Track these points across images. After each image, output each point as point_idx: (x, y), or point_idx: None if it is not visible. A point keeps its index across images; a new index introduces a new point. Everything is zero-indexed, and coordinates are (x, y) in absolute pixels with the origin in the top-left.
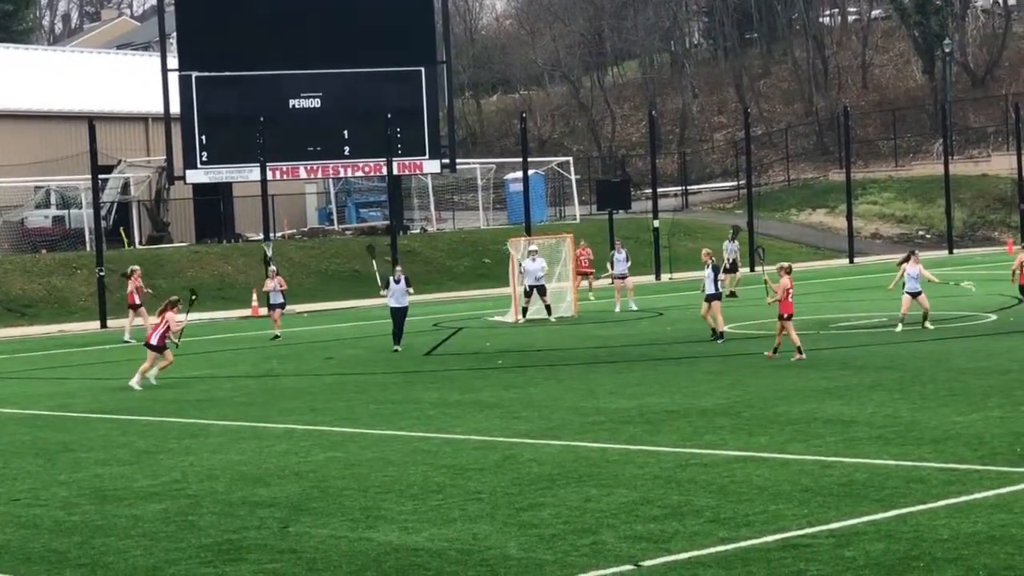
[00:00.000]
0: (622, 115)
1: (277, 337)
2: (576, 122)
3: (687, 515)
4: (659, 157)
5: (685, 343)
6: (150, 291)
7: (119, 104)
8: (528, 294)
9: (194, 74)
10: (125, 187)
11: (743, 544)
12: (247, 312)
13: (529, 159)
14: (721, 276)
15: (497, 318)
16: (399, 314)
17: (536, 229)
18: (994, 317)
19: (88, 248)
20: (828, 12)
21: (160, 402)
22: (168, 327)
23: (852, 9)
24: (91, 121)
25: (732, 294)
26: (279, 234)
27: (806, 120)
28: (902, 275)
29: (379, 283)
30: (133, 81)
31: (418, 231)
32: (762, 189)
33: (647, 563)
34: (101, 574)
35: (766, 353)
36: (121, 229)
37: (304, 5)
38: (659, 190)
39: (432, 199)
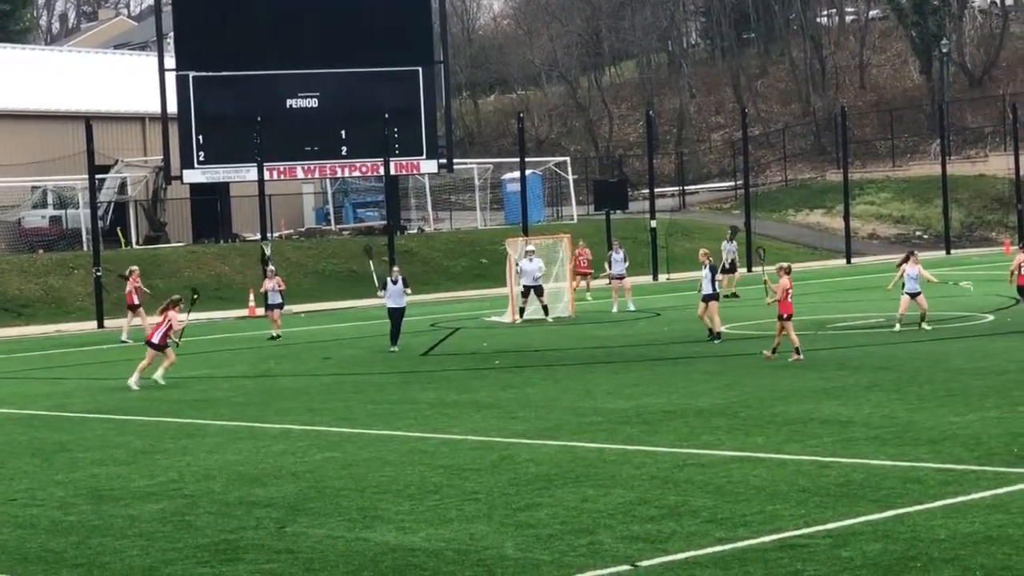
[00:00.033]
0: (619, 115)
1: (274, 337)
2: (573, 122)
3: (684, 515)
4: (656, 157)
5: (682, 343)
6: (148, 291)
7: (116, 104)
8: (525, 294)
9: (191, 74)
10: (122, 187)
11: (740, 544)
12: (244, 312)
13: (526, 159)
14: (719, 276)
15: (494, 318)
16: (397, 315)
17: (533, 229)
18: (991, 318)
19: (85, 248)
20: (826, 12)
21: (157, 402)
22: (170, 326)
23: (850, 9)
24: (88, 121)
25: (734, 295)
26: (276, 234)
27: (803, 120)
28: (901, 275)
29: (376, 284)
30: (130, 81)
31: (415, 231)
32: (759, 189)
33: (644, 563)
34: (98, 574)
35: (765, 352)
36: (118, 229)
37: (301, 5)
38: (656, 190)
39: (429, 199)
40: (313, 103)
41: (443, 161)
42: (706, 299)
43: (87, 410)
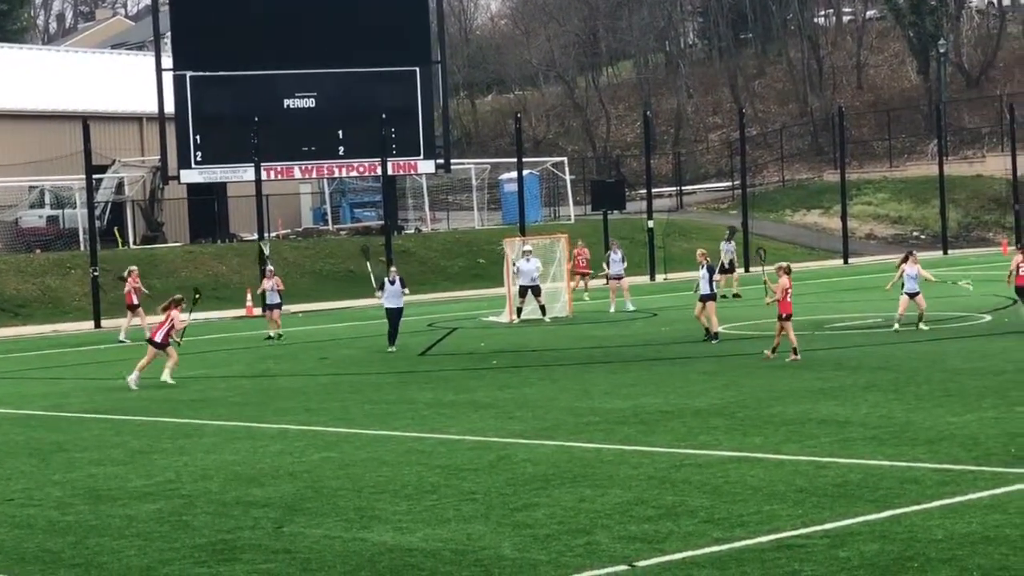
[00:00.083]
0: (617, 115)
1: (271, 338)
2: (571, 122)
3: (681, 515)
4: (654, 157)
5: (680, 343)
6: (147, 292)
7: (113, 104)
8: (523, 294)
9: (188, 74)
10: (119, 187)
11: (737, 544)
12: (241, 312)
13: (524, 159)
14: (717, 277)
15: (492, 318)
16: (394, 315)
17: (531, 229)
18: (989, 318)
19: (82, 248)
20: (823, 12)
21: (154, 402)
22: (172, 325)
23: (847, 9)
24: (85, 121)
25: (736, 295)
26: (274, 234)
27: (801, 120)
28: (900, 275)
29: (374, 284)
30: (127, 81)
31: (412, 231)
32: (757, 189)
33: (641, 563)
34: (95, 574)
35: (766, 352)
36: (115, 229)
37: (298, 5)
38: (654, 190)
39: (427, 199)
40: (310, 103)
41: (440, 161)
42: (703, 299)
43: (84, 410)
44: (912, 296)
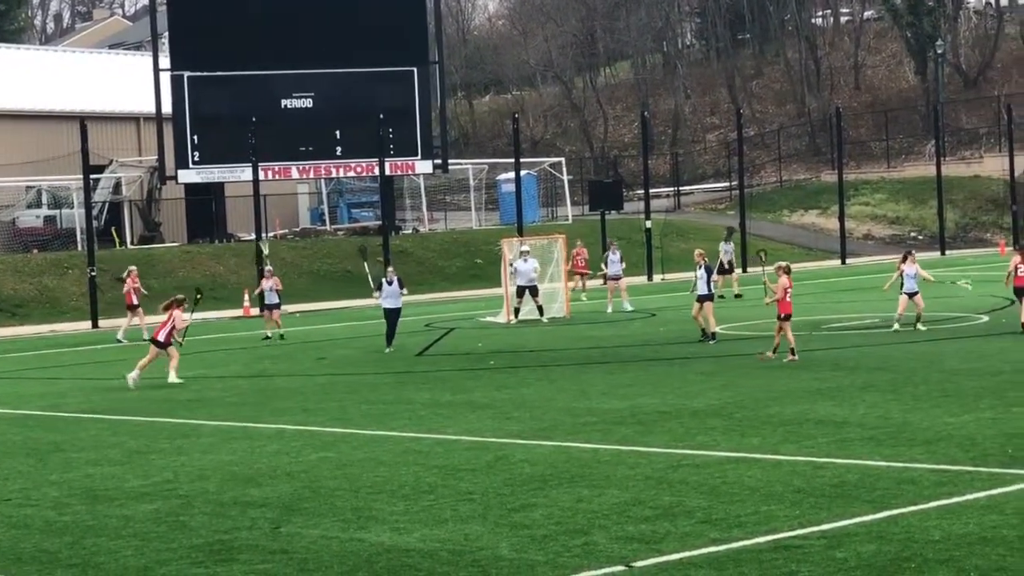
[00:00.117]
0: (614, 116)
1: (268, 338)
2: (568, 123)
3: (679, 516)
4: (651, 158)
5: (677, 344)
6: (145, 292)
7: (111, 104)
8: (520, 294)
9: (186, 74)
10: (117, 187)
11: (735, 545)
12: (239, 312)
13: (521, 160)
14: (715, 277)
15: (489, 319)
16: (392, 315)
17: (528, 230)
18: (986, 318)
19: (79, 248)
20: (820, 13)
21: (151, 402)
22: (174, 325)
23: (844, 10)
24: (83, 121)
25: (738, 295)
26: (271, 234)
27: (798, 121)
28: (899, 275)
29: (372, 285)
30: (125, 81)
31: (410, 231)
32: (754, 190)
33: (639, 564)
34: (92, 574)
35: (768, 354)
36: (113, 229)
37: (296, 5)
38: (651, 191)
39: (424, 199)
40: (308, 103)
41: (438, 161)
42: (701, 300)
43: (81, 410)
44: (911, 296)
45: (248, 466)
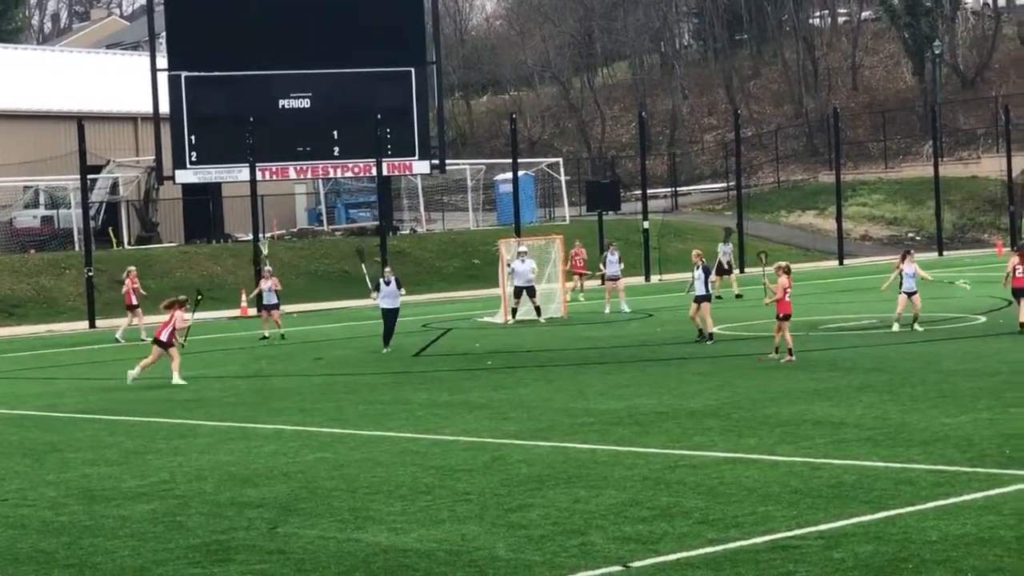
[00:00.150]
0: (612, 116)
1: (266, 338)
2: (566, 123)
3: (676, 516)
4: (649, 158)
5: (675, 344)
6: (143, 293)
7: (108, 104)
8: (518, 295)
9: (183, 74)
10: (114, 187)
11: (732, 545)
12: (236, 312)
13: (519, 160)
14: (712, 278)
15: (487, 319)
16: (390, 315)
17: (526, 230)
18: (984, 319)
19: (77, 248)
20: (818, 13)
21: (148, 402)
22: (176, 325)
23: (842, 10)
24: (80, 121)
25: (738, 295)
26: (269, 235)
27: (796, 121)
28: (897, 274)
29: (369, 286)
30: (122, 81)
31: (408, 232)
32: (752, 190)
33: (636, 564)
34: (89, 574)
35: (771, 355)
36: (110, 229)
37: (293, 5)
38: (649, 191)
39: (422, 200)
40: (305, 103)
41: (435, 162)
42: (698, 300)
43: (78, 410)
44: (910, 295)
45: (245, 466)
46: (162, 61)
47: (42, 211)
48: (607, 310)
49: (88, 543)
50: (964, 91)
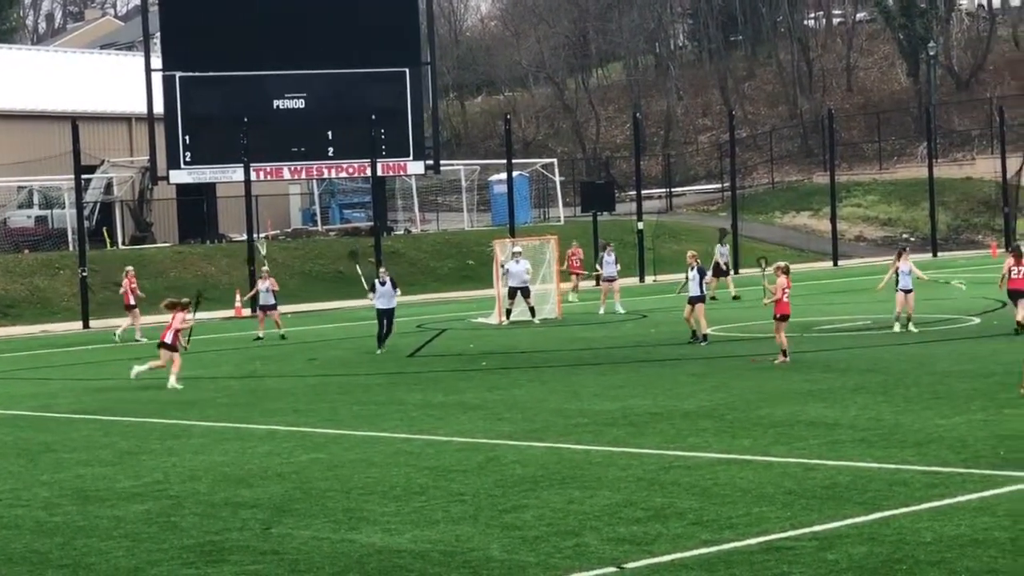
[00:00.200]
0: (606, 117)
1: (260, 338)
2: (560, 124)
3: (670, 517)
4: (643, 159)
5: (669, 345)
6: (141, 295)
7: (102, 104)
8: (512, 296)
9: (178, 74)
10: (108, 187)
11: (726, 546)
12: (230, 313)
13: (513, 161)
14: (707, 279)
15: (481, 320)
16: (386, 315)
17: (520, 231)
18: (978, 320)
19: (71, 248)
20: (813, 15)
21: (142, 403)
22: (177, 326)
23: (837, 12)
24: (74, 121)
25: (736, 296)
26: (263, 235)
27: (790, 123)
28: (894, 273)
29: (365, 286)
30: (117, 81)
31: (402, 232)
32: (746, 191)
33: (630, 565)
34: (83, 575)
35: (779, 358)
36: (104, 229)
37: (288, 6)
38: (643, 192)
39: (416, 200)
40: (300, 104)
41: (430, 162)
42: (692, 301)
43: (73, 411)
44: (906, 293)
45: (239, 467)
46: (156, 61)
47: (36, 211)
48: (601, 311)
49: (82, 543)
50: (959, 92)
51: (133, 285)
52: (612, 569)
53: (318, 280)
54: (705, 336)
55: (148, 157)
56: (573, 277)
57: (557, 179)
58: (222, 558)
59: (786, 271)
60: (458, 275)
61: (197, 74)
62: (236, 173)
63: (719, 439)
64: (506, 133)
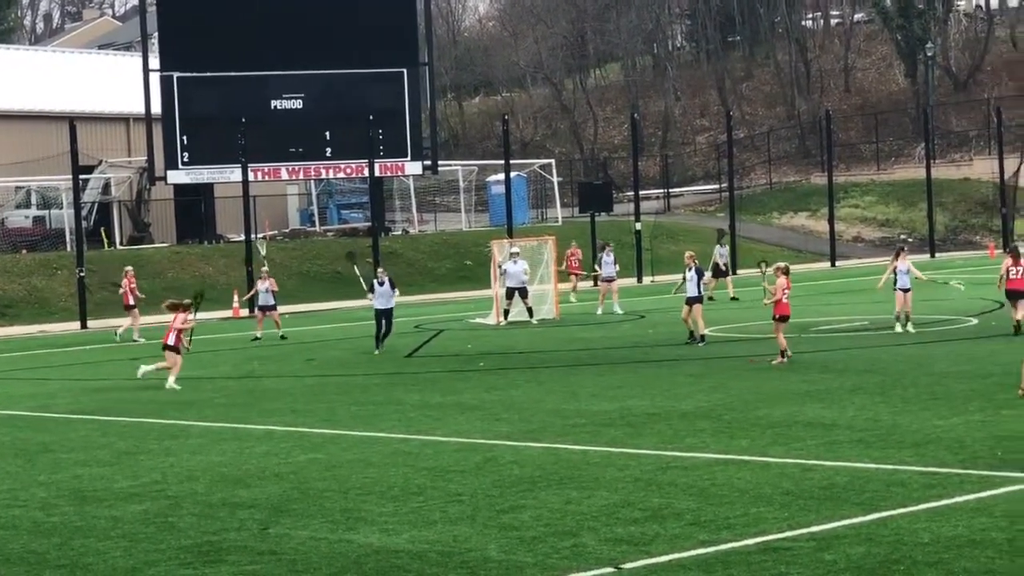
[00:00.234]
0: (604, 117)
1: (258, 339)
2: (558, 124)
3: (668, 518)
4: (641, 160)
5: (667, 346)
6: (141, 296)
7: (100, 104)
8: (510, 296)
9: (175, 74)
10: (106, 187)
11: (724, 547)
12: (228, 313)
13: (511, 161)
14: (705, 279)
15: (479, 320)
16: (384, 315)
17: (518, 231)
18: (975, 321)
19: (69, 248)
20: (811, 15)
21: (140, 403)
22: (180, 328)
23: (835, 12)
24: (72, 121)
25: (734, 298)
26: (261, 235)
27: (788, 123)
28: (892, 272)
29: (364, 287)
30: (114, 81)
31: (400, 233)
32: (744, 192)
33: (628, 566)
34: (80, 575)
35: (775, 360)
36: (102, 230)
37: (286, 6)
38: (641, 193)
39: (414, 201)
40: (298, 104)
41: (428, 163)
42: (690, 302)
43: (70, 411)
44: (905, 292)
45: (237, 467)
46: (154, 61)
47: (34, 211)
48: (599, 311)
49: (79, 544)
50: (956, 93)
51: (132, 285)
52: (610, 569)
53: (316, 280)
54: (703, 337)
55: (146, 157)
56: (572, 278)
57: (555, 180)
58: (220, 558)
59: (786, 272)
60: (456, 276)
61: (195, 74)
62: (234, 173)
63: (717, 440)
64: (504, 134)
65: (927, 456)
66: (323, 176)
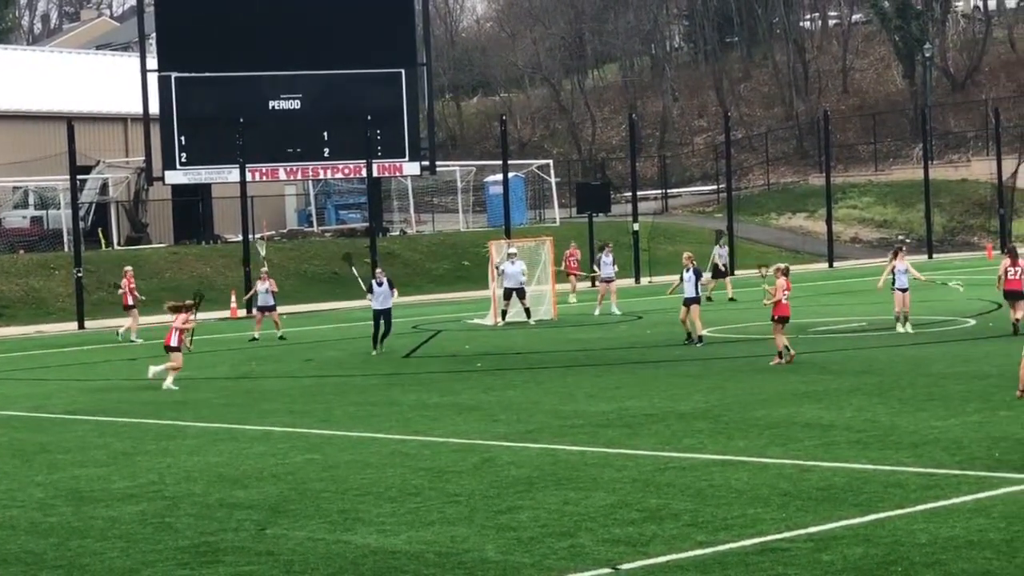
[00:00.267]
0: (602, 118)
1: (255, 339)
2: (556, 125)
3: (665, 519)
4: (639, 160)
5: (664, 347)
6: (141, 297)
7: (98, 104)
8: (508, 297)
9: (173, 75)
10: (103, 188)
11: (721, 548)
12: (226, 313)
13: (509, 162)
14: (704, 280)
15: (476, 321)
16: (383, 316)
17: (516, 232)
18: (973, 322)
19: (66, 249)
20: (809, 16)
21: (137, 403)
22: (181, 329)
23: (833, 13)
24: (70, 121)
25: (732, 299)
26: (258, 235)
27: (786, 124)
28: (890, 271)
29: (363, 287)
30: (112, 81)
31: (397, 233)
32: (742, 193)
33: (625, 566)
34: (77, 575)
35: (773, 361)
36: (99, 230)
37: (284, 7)
38: (639, 193)
39: (412, 201)
40: (296, 104)
41: (425, 163)
42: (688, 303)
43: (67, 411)
44: (903, 292)
45: (234, 468)
46: (152, 62)
47: (31, 211)
48: (597, 312)
49: (77, 544)
50: (954, 94)
51: (132, 286)
52: (607, 570)
53: (314, 281)
54: (701, 337)
55: (144, 158)
56: (571, 278)
57: (553, 180)
58: (217, 559)
59: (786, 273)
60: (453, 276)
61: (193, 75)
62: (232, 174)
63: (715, 440)
64: (502, 134)
65: (925, 457)
66: (321, 176)
